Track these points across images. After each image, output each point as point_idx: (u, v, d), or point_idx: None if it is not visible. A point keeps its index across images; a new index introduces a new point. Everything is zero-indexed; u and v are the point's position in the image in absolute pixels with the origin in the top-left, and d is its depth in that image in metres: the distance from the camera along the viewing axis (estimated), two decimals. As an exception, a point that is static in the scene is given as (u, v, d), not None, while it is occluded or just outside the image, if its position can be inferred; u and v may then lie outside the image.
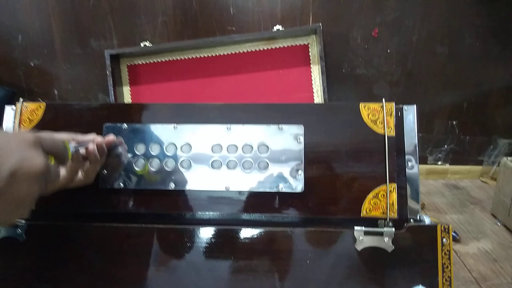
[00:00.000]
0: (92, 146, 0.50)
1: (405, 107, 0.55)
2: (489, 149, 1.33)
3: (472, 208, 1.12)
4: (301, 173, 0.53)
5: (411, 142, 0.55)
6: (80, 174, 0.51)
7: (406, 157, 0.54)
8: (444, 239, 0.50)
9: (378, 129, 0.54)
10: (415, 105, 0.55)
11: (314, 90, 1.20)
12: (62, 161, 0.45)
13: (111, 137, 0.53)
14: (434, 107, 1.30)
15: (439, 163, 1.36)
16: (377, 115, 0.55)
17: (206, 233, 0.53)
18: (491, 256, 0.87)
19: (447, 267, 0.50)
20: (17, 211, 0.38)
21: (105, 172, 0.55)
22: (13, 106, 0.58)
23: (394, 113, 0.55)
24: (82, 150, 0.50)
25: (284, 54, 1.20)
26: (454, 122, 1.31)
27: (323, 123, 0.55)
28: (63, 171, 0.49)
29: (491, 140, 1.32)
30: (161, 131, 0.56)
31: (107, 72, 1.19)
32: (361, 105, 0.55)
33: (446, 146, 1.34)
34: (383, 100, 0.55)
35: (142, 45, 1.20)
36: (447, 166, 1.36)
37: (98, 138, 0.51)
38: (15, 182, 0.36)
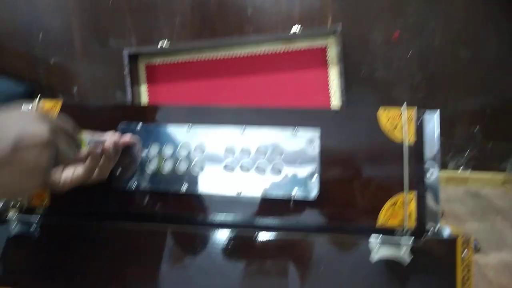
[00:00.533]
0: (109, 142, 0.50)
1: (426, 113, 0.53)
2: (512, 156, 1.29)
3: (494, 217, 1.08)
4: (316, 178, 0.52)
5: (432, 150, 0.52)
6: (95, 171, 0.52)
7: (426, 165, 0.52)
8: (464, 252, 0.48)
9: (397, 135, 0.52)
10: (438, 111, 0.53)
11: (332, 93, 1.18)
12: (75, 143, 0.45)
13: (128, 136, 0.53)
14: (456, 112, 1.26)
15: (460, 169, 1.32)
16: (396, 121, 0.53)
17: (217, 237, 0.52)
18: (513, 268, 0.84)
19: (467, 280, 0.48)
20: (29, 181, 0.39)
21: (119, 171, 0.55)
22: (29, 104, 0.59)
23: (414, 119, 0.53)
24: (98, 148, 0.50)
25: (302, 56, 1.18)
26: (476, 128, 1.27)
27: (340, 128, 0.54)
28: (80, 170, 0.50)
29: (514, 147, 1.28)
30: (175, 132, 0.56)
31: (125, 71, 1.19)
32: (380, 110, 0.53)
33: (467, 152, 1.30)
34: (403, 105, 0.53)
35: (160, 45, 1.21)
36: (468, 173, 1.32)
37: (115, 136, 0.52)
38: (20, 151, 0.37)
